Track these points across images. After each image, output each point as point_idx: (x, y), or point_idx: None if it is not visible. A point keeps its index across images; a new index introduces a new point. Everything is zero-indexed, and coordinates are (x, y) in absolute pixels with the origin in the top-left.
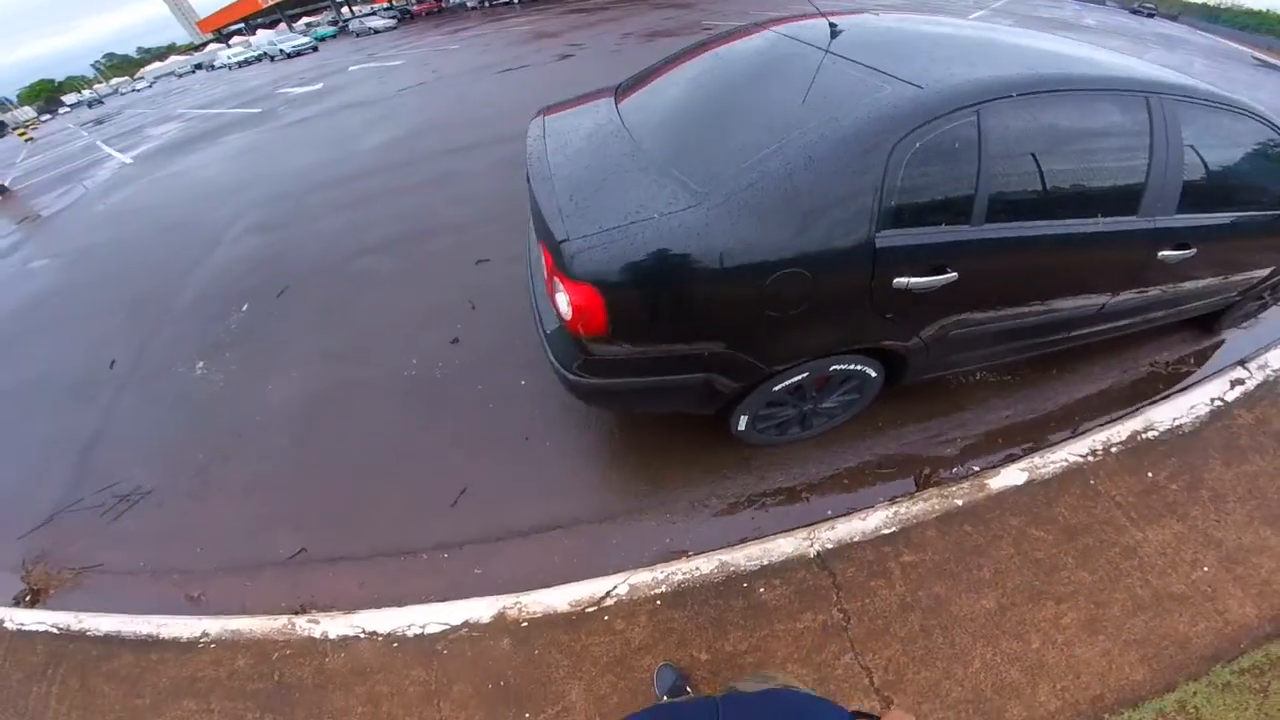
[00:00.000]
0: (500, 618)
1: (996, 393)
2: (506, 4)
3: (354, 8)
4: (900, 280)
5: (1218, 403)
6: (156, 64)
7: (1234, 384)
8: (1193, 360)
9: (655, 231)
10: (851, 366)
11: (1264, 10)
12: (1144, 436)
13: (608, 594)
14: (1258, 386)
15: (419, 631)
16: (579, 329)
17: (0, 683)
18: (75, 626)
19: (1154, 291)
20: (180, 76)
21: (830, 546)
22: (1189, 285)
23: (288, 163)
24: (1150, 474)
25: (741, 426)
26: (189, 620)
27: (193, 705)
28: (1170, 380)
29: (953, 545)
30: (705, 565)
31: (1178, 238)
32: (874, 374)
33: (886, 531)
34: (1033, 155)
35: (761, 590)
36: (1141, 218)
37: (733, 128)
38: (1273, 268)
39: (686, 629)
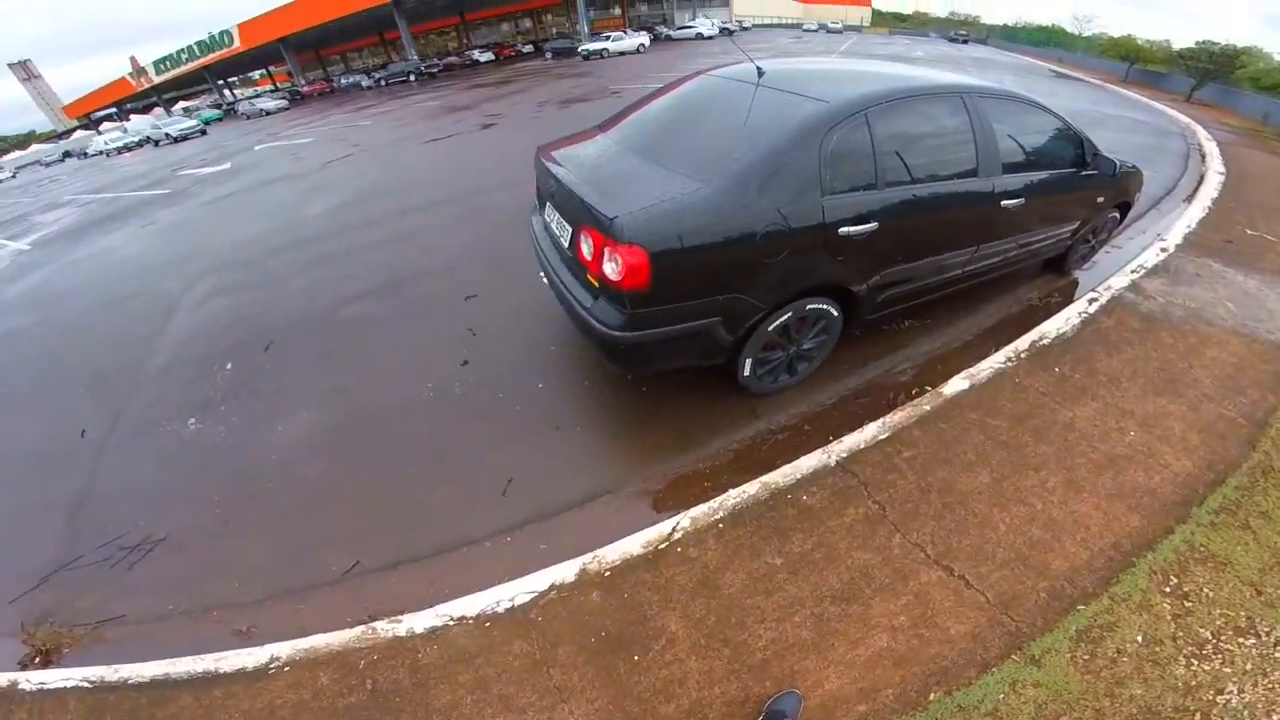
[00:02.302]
0: (584, 573)
1: (924, 333)
2: (403, 82)
3: (234, 91)
4: (843, 229)
5: (1085, 314)
6: (16, 153)
7: (1091, 301)
8: (1057, 295)
9: (678, 206)
10: (821, 306)
11: (1050, 25)
12: (1041, 344)
13: (674, 529)
14: (1109, 300)
15: (509, 605)
16: (629, 284)
17: None
18: (112, 677)
19: (1009, 241)
20: (48, 165)
21: (845, 455)
22: (1034, 234)
23: (228, 234)
24: (1057, 369)
25: (747, 371)
26: (253, 649)
27: None
28: (1045, 310)
29: (936, 439)
30: (751, 488)
31: (1009, 190)
32: (836, 313)
33: (882, 437)
34: (904, 140)
35: (805, 498)
36: (981, 179)
37: (709, 140)
38: (1082, 219)
39: (754, 541)
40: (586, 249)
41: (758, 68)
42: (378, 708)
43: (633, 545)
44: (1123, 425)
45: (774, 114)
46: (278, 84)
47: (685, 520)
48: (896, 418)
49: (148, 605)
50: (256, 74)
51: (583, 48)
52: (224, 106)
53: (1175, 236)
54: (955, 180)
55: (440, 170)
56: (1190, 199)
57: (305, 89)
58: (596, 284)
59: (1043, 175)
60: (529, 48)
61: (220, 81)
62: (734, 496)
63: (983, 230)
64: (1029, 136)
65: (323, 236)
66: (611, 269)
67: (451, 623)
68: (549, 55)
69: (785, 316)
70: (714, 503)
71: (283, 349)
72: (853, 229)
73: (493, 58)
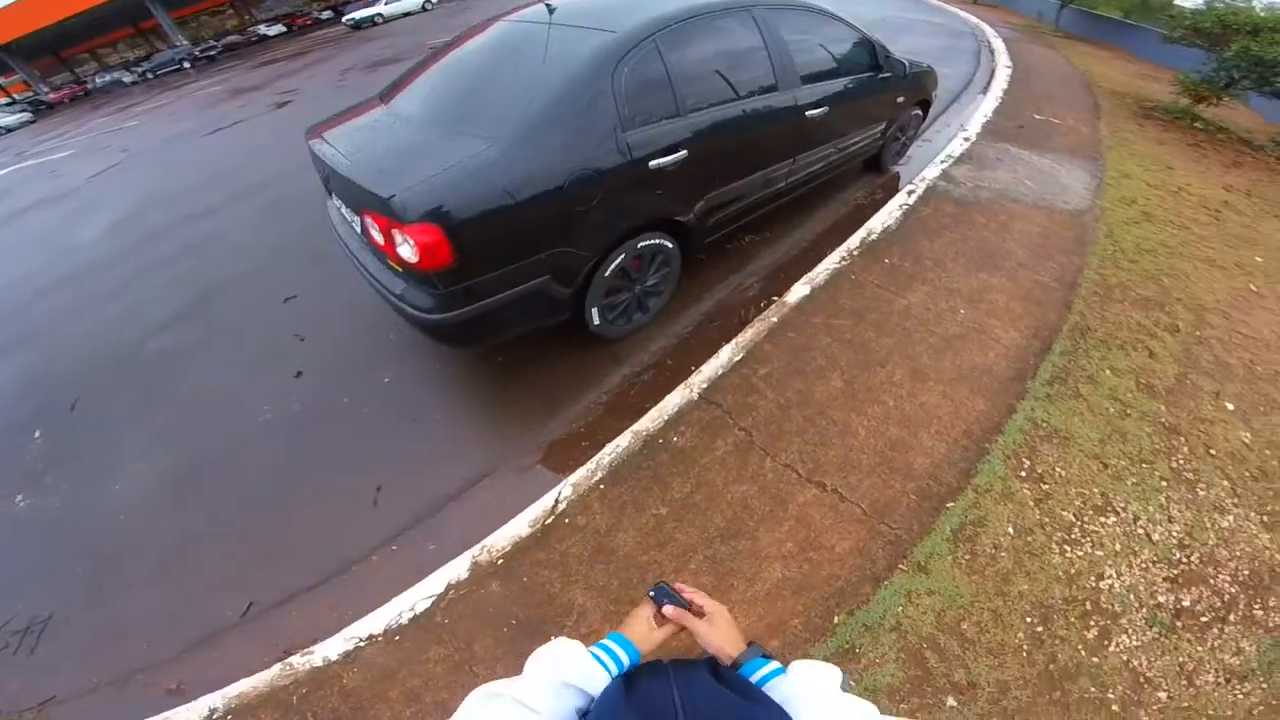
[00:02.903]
0: (477, 567)
1: (764, 246)
2: (175, 71)
3: None
4: (654, 162)
5: (905, 207)
6: None
7: (910, 194)
8: (880, 192)
9: (466, 170)
10: (653, 242)
11: None
12: (870, 239)
13: (557, 501)
14: (925, 191)
15: (412, 614)
16: (429, 265)
17: None
18: None
19: (824, 149)
20: None
21: (706, 386)
22: (845, 139)
23: None
24: (887, 260)
25: (596, 320)
26: (190, 704)
27: None
28: (872, 206)
29: (787, 351)
30: (623, 440)
31: (811, 100)
32: (670, 245)
33: (737, 359)
34: (699, 63)
35: (676, 439)
36: (782, 92)
37: (498, 91)
38: (887, 119)
39: (637, 495)
40: (376, 234)
41: (547, 4)
42: None
43: (520, 526)
44: (953, 305)
45: (562, 53)
46: (13, 96)
47: (567, 489)
48: (747, 336)
49: (71, 681)
50: None
51: (347, 17)
52: None
53: (975, 126)
54: (757, 97)
55: (229, 163)
56: (985, 91)
57: (50, 96)
58: (400, 268)
59: (841, 82)
60: (328, 13)
61: None
62: (608, 453)
63: (795, 142)
64: (822, 46)
65: (104, 264)
66: (407, 251)
67: (363, 643)
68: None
69: (619, 259)
70: (590, 464)
71: (91, 402)
72: (662, 160)
73: (285, 30)
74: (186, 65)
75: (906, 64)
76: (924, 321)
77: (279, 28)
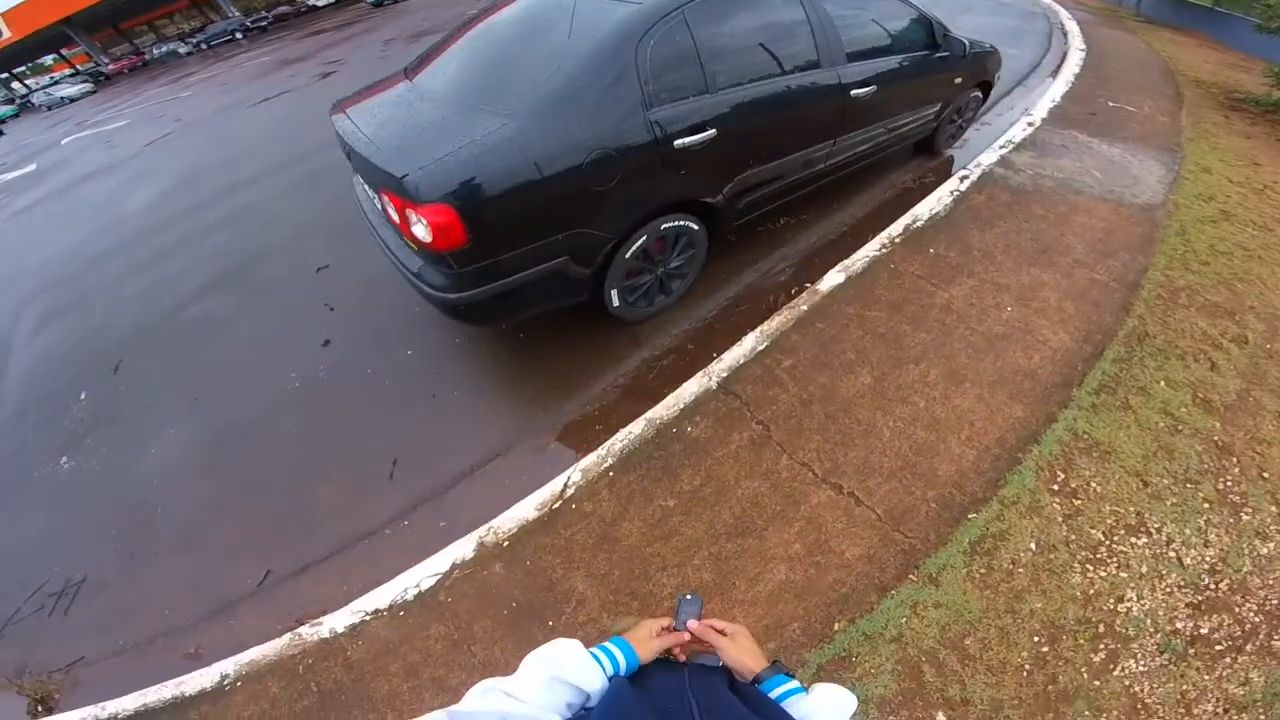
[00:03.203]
0: (482, 548)
1: (799, 230)
2: (228, 42)
3: (26, 82)
4: (680, 141)
5: (956, 193)
6: None
7: (963, 179)
8: (930, 176)
9: (482, 148)
10: (678, 224)
11: None
12: (914, 226)
13: (565, 486)
14: (980, 177)
15: (417, 591)
16: (443, 245)
17: None
18: (102, 715)
19: (869, 130)
20: None
21: (726, 375)
22: (894, 120)
23: (47, 248)
24: (931, 250)
25: (616, 302)
26: (205, 670)
27: None
28: (919, 192)
29: (814, 342)
30: (636, 427)
31: (857, 79)
32: (696, 227)
33: (761, 348)
34: (732, 37)
35: (690, 429)
36: (825, 70)
37: (521, 66)
38: (943, 100)
39: (645, 485)
40: (393, 212)
41: None
42: (329, 707)
43: (527, 510)
44: (999, 301)
45: (586, 26)
46: (77, 67)
47: (576, 474)
48: (774, 324)
49: (99, 644)
50: (49, 59)
51: None
52: (16, 101)
53: (1041, 111)
54: (796, 75)
55: (273, 133)
56: (1054, 75)
57: (110, 68)
58: (416, 247)
59: (892, 60)
60: None
61: (3, 75)
62: (620, 440)
63: (836, 123)
64: (874, 21)
65: (151, 231)
66: (421, 231)
67: (368, 617)
68: None
69: (641, 240)
70: (601, 450)
71: (133, 366)
72: (689, 140)
73: (334, 1)
74: (239, 36)
75: (966, 44)
76: (966, 318)
77: None
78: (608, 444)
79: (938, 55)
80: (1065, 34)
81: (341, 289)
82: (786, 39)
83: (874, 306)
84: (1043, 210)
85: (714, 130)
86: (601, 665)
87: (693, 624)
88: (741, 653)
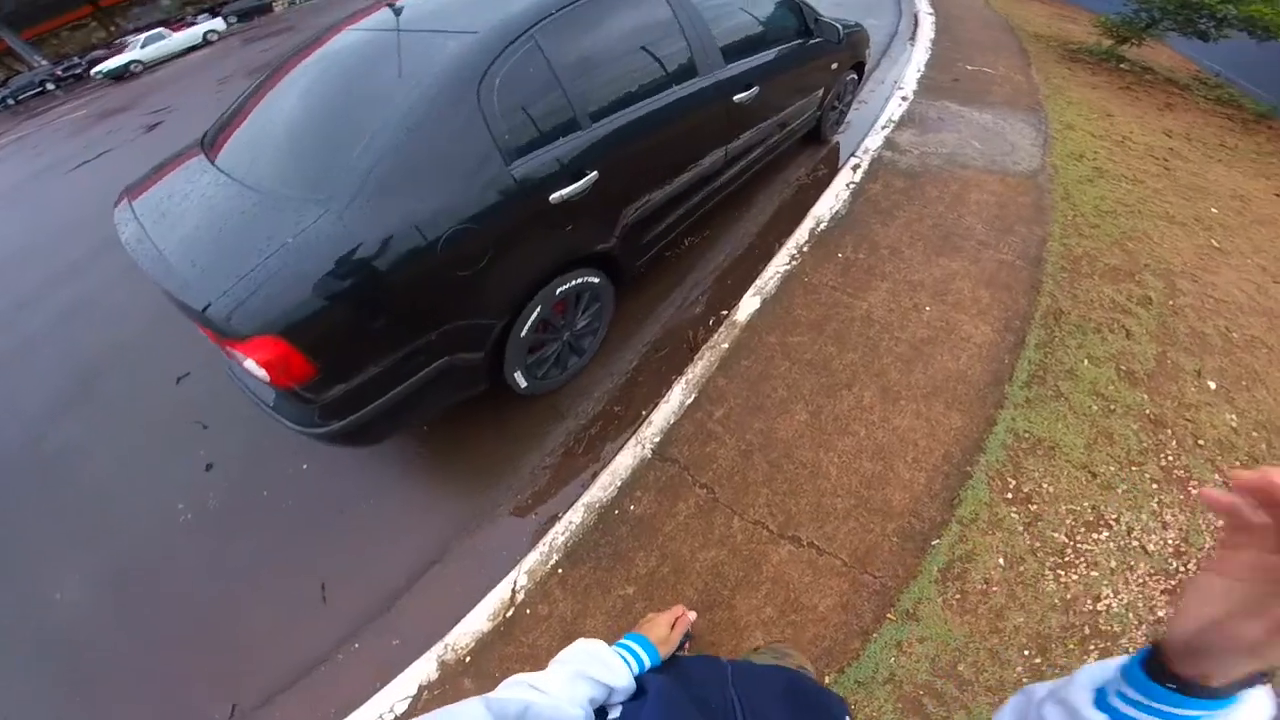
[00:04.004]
0: (445, 666)
1: (706, 248)
2: (39, 94)
3: None
4: (557, 194)
5: (852, 185)
6: None
7: (855, 169)
8: (823, 167)
9: (297, 253)
10: (575, 282)
11: None
12: (819, 230)
13: (514, 591)
14: (871, 165)
15: (393, 718)
16: (286, 382)
17: None
18: None
19: (760, 131)
20: None
21: (659, 439)
22: (782, 117)
23: None
24: (840, 254)
25: (524, 383)
26: None
27: None
28: (816, 186)
29: (743, 383)
30: (576, 515)
31: (738, 80)
32: (598, 280)
33: (689, 401)
34: (599, 56)
35: (632, 507)
36: (704, 76)
37: (336, 131)
38: (824, 86)
39: (600, 576)
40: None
41: (391, 6)
42: None
43: (479, 621)
44: (917, 301)
45: (412, 70)
46: None
47: (522, 577)
48: (697, 372)
49: None
50: None
51: (98, 69)
52: None
53: (910, 83)
54: (675, 86)
55: (96, 204)
56: (912, 40)
57: None
58: None
59: (770, 54)
60: (204, 16)
61: None
62: (561, 532)
63: (726, 130)
64: (745, 16)
65: None
66: (253, 368)
67: None
68: (231, 19)
69: (536, 312)
70: (544, 546)
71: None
72: (568, 190)
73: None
74: (51, 86)
75: (840, 28)
76: (888, 326)
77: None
78: (548, 539)
79: (812, 42)
80: None
81: (210, 400)
82: (659, 47)
83: (796, 330)
84: (937, 191)
85: (595, 172)
86: (626, 662)
87: None
88: None
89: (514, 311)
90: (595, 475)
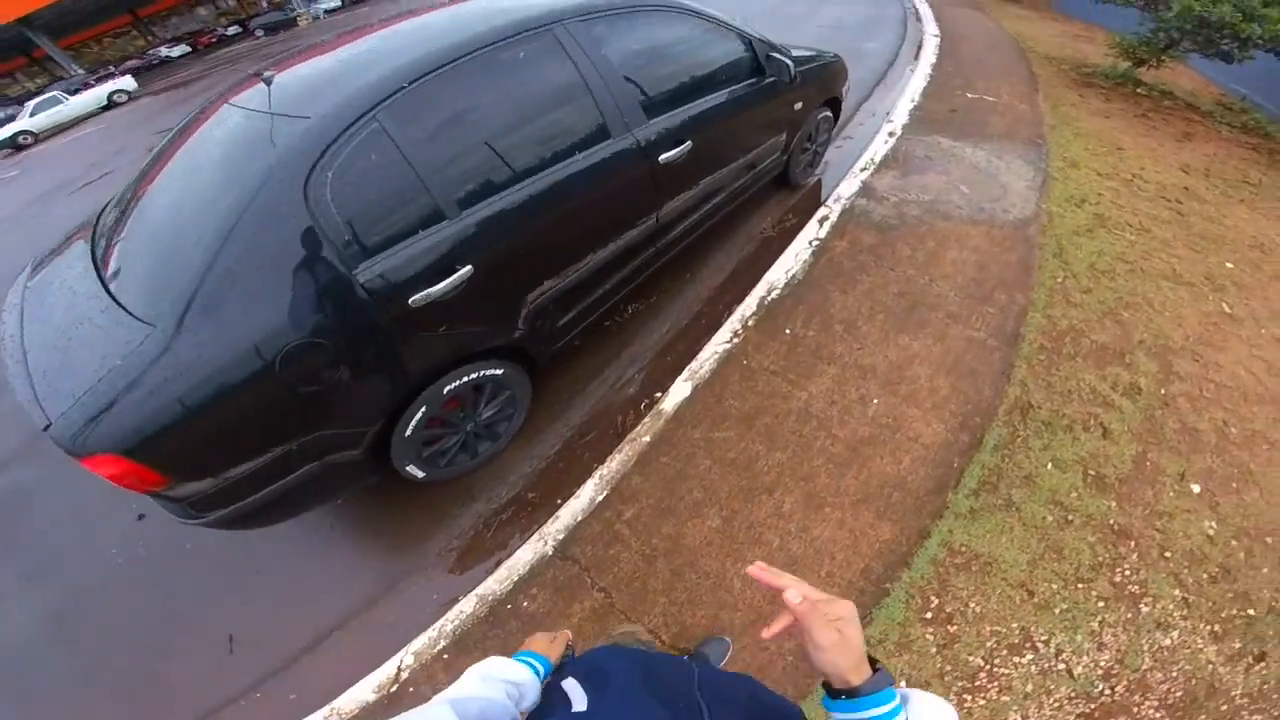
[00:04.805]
0: None
1: (649, 318)
2: None
3: None
4: (418, 297)
5: (815, 242)
6: None
7: (822, 222)
8: (792, 216)
9: (125, 376)
10: (471, 377)
11: None
12: (770, 299)
13: (399, 669)
14: (841, 216)
15: None
16: (141, 490)
17: None
18: None
19: (701, 190)
20: None
21: (562, 537)
22: (730, 170)
23: None
24: (789, 330)
25: (421, 473)
26: None
27: None
28: (783, 238)
29: (658, 482)
30: (468, 605)
31: (666, 137)
32: (502, 370)
33: (600, 498)
34: (469, 133)
35: (526, 604)
36: (618, 138)
37: (172, 238)
38: (787, 128)
39: None
40: None
41: (263, 75)
42: None
43: (365, 692)
44: (864, 393)
45: (240, 165)
46: None
47: (409, 657)
48: (613, 468)
49: None
50: None
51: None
52: None
53: (902, 114)
54: (579, 155)
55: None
56: (914, 65)
57: None
58: None
59: (710, 102)
60: (235, 29)
61: None
62: (452, 619)
63: (653, 195)
64: (677, 59)
65: None
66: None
67: None
68: (259, 33)
69: (420, 414)
70: (433, 631)
71: None
72: (434, 290)
73: (189, 50)
74: None
75: (790, 64)
76: (826, 422)
77: (182, 48)
78: (439, 624)
79: (766, 82)
80: (920, 18)
81: None
82: (556, 110)
83: (723, 424)
84: (910, 250)
85: (468, 267)
86: (530, 664)
87: (794, 600)
88: (844, 658)
89: (389, 415)
90: (496, 565)
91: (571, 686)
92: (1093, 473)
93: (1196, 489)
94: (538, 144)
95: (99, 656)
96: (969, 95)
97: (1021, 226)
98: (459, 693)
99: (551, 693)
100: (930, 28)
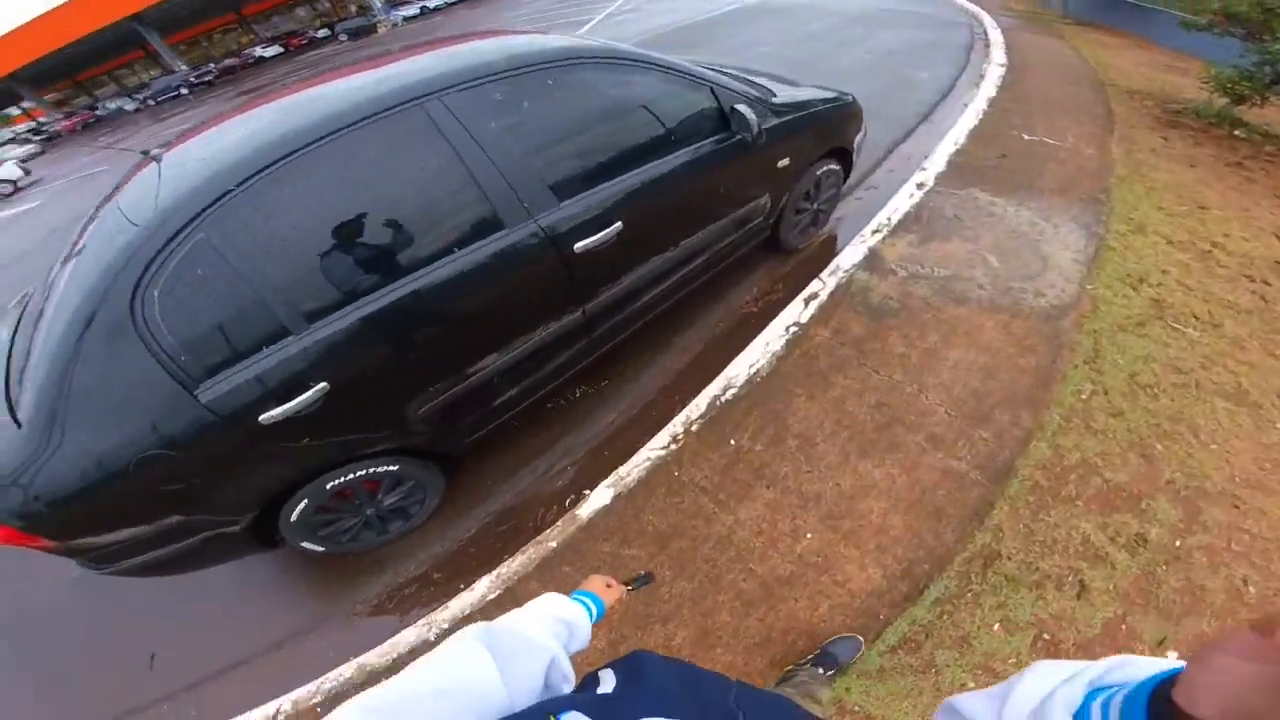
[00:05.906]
0: None
1: (596, 404)
2: (174, 98)
3: None
4: (270, 414)
5: (794, 329)
6: None
7: (808, 301)
8: (780, 288)
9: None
10: (357, 474)
11: None
12: (723, 400)
13: (277, 713)
14: (832, 295)
15: None
16: (34, 548)
17: None
18: None
19: (646, 266)
20: None
21: (446, 627)
22: (686, 242)
23: None
24: (733, 440)
25: (320, 549)
26: None
27: None
28: (764, 315)
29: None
30: (347, 670)
31: (586, 224)
32: (396, 467)
33: (492, 597)
34: (313, 238)
35: None
36: (514, 228)
37: (49, 338)
38: (770, 194)
39: None
40: None
41: (150, 153)
42: None
43: None
44: (798, 525)
45: (94, 266)
46: (38, 120)
47: (288, 704)
48: (514, 567)
49: None
50: (15, 110)
51: None
52: None
53: (939, 160)
54: (457, 253)
55: None
56: (969, 102)
57: (61, 125)
58: None
59: (649, 172)
60: (324, 32)
61: None
62: (330, 680)
63: (567, 289)
64: (605, 120)
65: None
66: None
67: None
68: (343, 37)
69: (302, 504)
70: (313, 685)
71: None
72: (286, 408)
73: (281, 50)
74: (184, 91)
75: (752, 119)
76: (746, 554)
77: (275, 49)
78: (319, 681)
79: (736, 139)
80: (988, 45)
81: None
82: (426, 203)
83: (636, 541)
84: (904, 345)
85: (324, 384)
86: (583, 603)
87: None
88: None
89: (260, 508)
90: (383, 639)
91: (605, 674)
92: (1047, 637)
93: (1174, 656)
94: (403, 244)
95: (63, 653)
96: (1025, 137)
97: (1053, 317)
98: (500, 626)
99: (584, 676)
100: (998, 55)
